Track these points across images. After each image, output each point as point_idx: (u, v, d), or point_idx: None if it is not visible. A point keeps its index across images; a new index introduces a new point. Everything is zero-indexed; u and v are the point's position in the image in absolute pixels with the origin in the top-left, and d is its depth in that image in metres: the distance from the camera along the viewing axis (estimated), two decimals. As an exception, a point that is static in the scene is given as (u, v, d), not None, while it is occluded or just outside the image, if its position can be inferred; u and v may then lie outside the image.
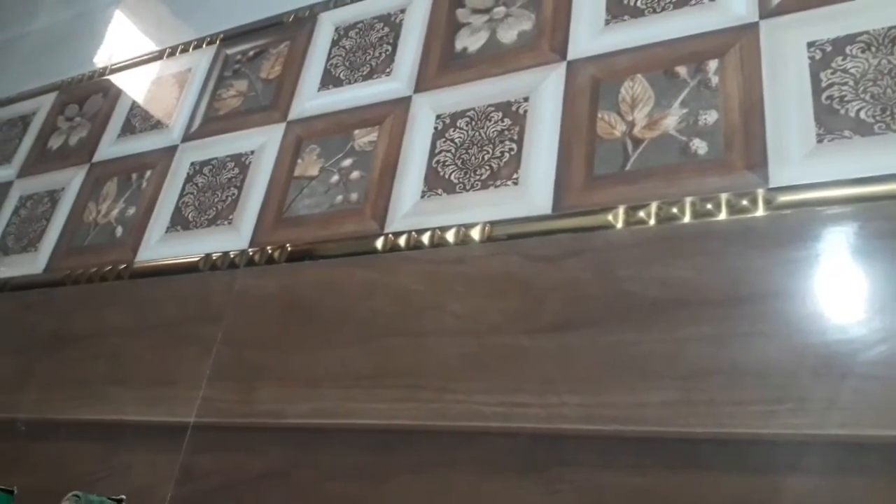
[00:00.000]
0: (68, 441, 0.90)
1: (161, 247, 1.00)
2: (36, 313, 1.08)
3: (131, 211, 1.08)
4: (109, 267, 1.03)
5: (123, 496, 0.81)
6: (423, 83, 0.92)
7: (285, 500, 0.72)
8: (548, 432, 0.63)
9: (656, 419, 0.59)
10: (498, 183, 0.79)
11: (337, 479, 0.70)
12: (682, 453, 0.58)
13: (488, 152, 0.81)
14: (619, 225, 0.69)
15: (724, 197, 0.66)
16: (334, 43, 1.05)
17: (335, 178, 0.90)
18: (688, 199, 0.67)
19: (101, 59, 1.38)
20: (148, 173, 1.10)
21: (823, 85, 0.67)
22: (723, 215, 0.65)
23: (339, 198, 0.88)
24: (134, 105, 1.23)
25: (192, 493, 0.77)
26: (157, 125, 1.16)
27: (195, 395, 0.82)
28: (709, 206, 0.66)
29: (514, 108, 0.83)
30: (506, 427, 0.65)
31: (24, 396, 0.98)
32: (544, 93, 0.81)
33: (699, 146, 0.70)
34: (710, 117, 0.71)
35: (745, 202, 0.65)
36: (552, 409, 0.63)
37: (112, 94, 1.29)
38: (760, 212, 0.64)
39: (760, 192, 0.65)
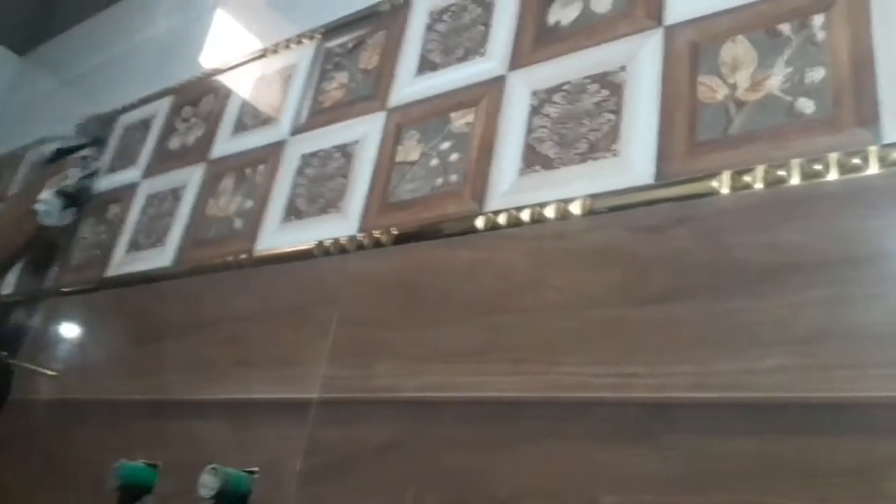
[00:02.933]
0: (203, 419, 0.98)
1: (277, 236, 1.06)
2: (167, 303, 1.17)
3: (248, 204, 1.14)
4: (231, 257, 1.10)
5: (257, 468, 0.87)
6: (517, 60, 0.93)
7: (404, 469, 0.75)
8: (658, 401, 0.63)
9: (769, 385, 0.59)
10: (597, 155, 0.79)
11: (452, 449, 0.73)
12: (797, 418, 0.57)
13: (586, 125, 0.81)
14: (725, 191, 0.68)
15: (833, 156, 0.64)
16: (428, 28, 1.07)
17: (435, 161, 0.93)
18: (795, 161, 0.65)
19: (210, 61, 1.46)
20: (261, 167, 1.17)
21: (941, 31, 0.63)
22: (833, 175, 0.63)
23: (440, 180, 0.91)
24: (244, 103, 1.30)
25: (319, 464, 0.82)
26: (266, 121, 1.22)
27: (317, 373, 0.87)
28: (818, 166, 0.64)
29: (610, 79, 0.82)
30: (616, 397, 0.65)
31: (162, 379, 1.07)
32: (642, 61, 0.81)
33: (806, 105, 0.68)
34: (817, 74, 0.68)
35: (856, 160, 0.62)
36: (662, 378, 0.64)
37: (223, 94, 1.36)
38: (874, 170, 0.61)
39: (873, 149, 0.62)
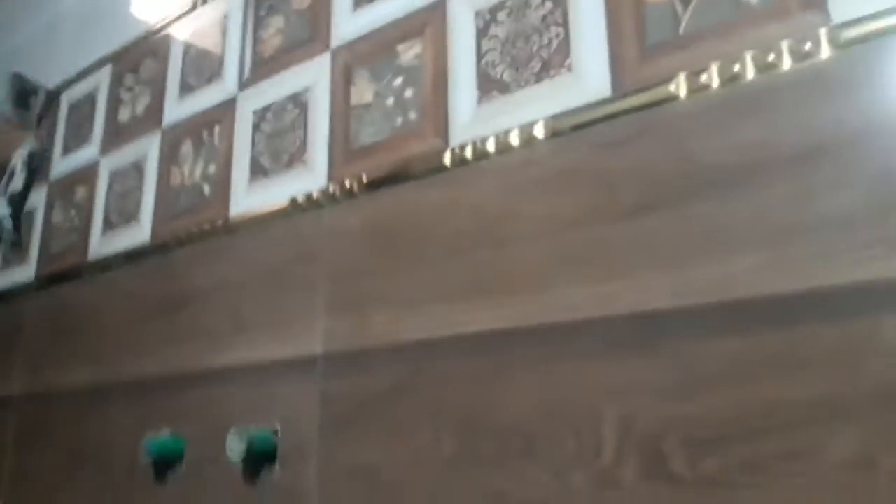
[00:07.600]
0: (217, 387, 1.00)
1: (249, 198, 1.05)
2: (152, 279, 1.17)
3: (212, 168, 1.13)
4: (208, 225, 1.09)
5: (278, 426, 0.90)
6: (455, -21, 0.89)
7: (414, 408, 0.79)
8: (641, 314, 0.66)
9: (746, 284, 0.61)
10: (552, 73, 0.78)
11: (455, 383, 0.76)
12: (777, 313, 0.59)
13: (536, 42, 0.80)
14: (682, 95, 0.68)
15: (785, 45, 0.63)
16: (357, -45, 1.02)
17: (390, 100, 0.91)
18: (748, 55, 0.65)
19: (141, 19, 1.39)
20: (217, 128, 1.14)
21: None
22: (787, 65, 0.63)
23: (399, 119, 0.90)
24: (185, 62, 1.24)
25: (335, 415, 0.86)
26: (211, 79, 1.18)
27: (316, 330, 0.89)
28: (771, 57, 0.64)
29: (552, -10, 0.80)
30: (600, 315, 0.68)
31: (168, 354, 1.09)
32: (580, -34, 0.78)
33: (752, -7, 0.66)
34: (759, -42, 0.67)
35: (808, 46, 0.62)
36: (642, 291, 0.66)
37: (161, 56, 1.30)
38: (826, 54, 0.61)
39: (823, 31, 0.62)
